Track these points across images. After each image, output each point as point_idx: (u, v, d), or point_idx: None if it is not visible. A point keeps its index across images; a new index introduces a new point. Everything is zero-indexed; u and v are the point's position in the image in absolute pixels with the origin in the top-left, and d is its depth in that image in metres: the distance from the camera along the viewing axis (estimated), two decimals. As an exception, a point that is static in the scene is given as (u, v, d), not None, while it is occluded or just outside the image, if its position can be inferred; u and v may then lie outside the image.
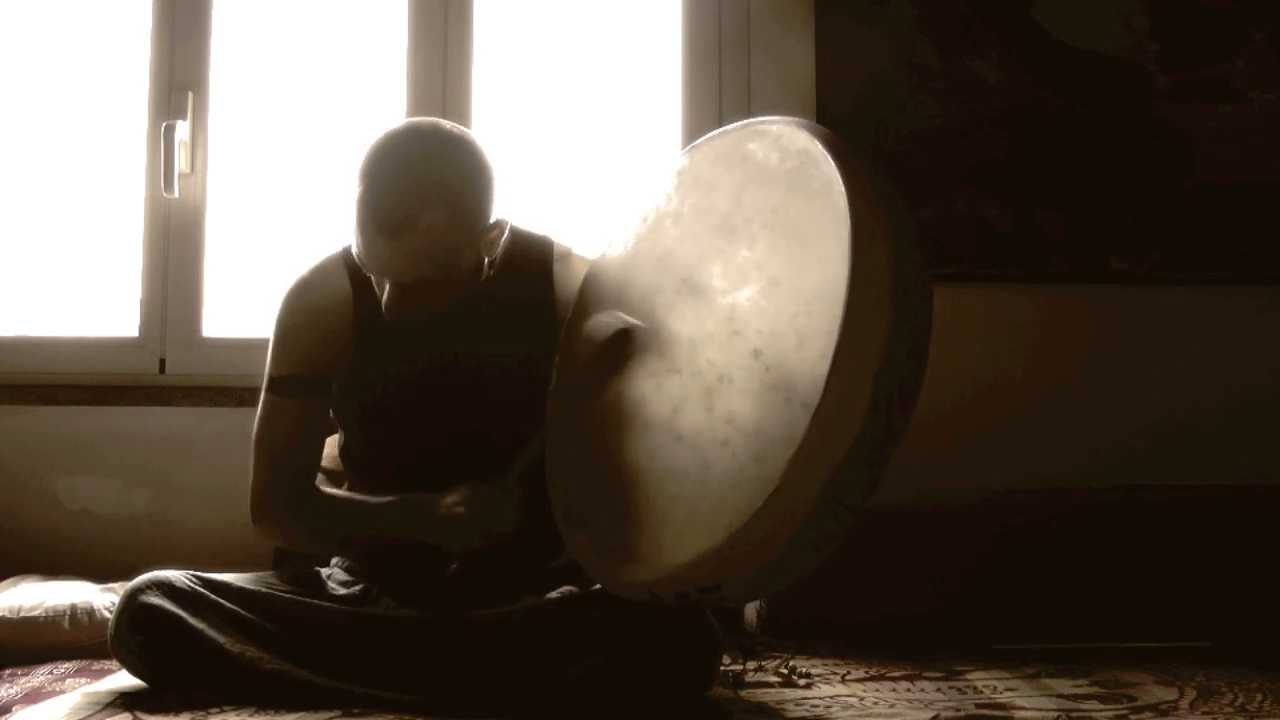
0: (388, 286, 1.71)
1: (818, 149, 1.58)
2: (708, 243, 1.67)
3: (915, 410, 1.47)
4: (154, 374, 2.69)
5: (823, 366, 1.42)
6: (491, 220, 1.74)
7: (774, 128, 1.68)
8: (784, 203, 1.59)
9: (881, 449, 1.45)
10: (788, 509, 1.43)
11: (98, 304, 2.79)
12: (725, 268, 1.63)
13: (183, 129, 2.69)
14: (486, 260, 1.78)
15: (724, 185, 1.70)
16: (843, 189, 1.51)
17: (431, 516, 1.76)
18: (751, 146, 1.69)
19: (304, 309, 1.85)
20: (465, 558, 1.78)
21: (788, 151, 1.62)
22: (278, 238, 2.79)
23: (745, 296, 1.58)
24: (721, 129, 1.81)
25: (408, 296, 1.71)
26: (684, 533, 1.51)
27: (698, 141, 1.84)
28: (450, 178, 1.69)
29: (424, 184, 1.67)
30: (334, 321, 1.85)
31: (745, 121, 1.77)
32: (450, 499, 1.76)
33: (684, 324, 1.65)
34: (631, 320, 1.71)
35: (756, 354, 1.52)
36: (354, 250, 1.73)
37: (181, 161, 2.69)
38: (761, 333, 1.53)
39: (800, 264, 1.52)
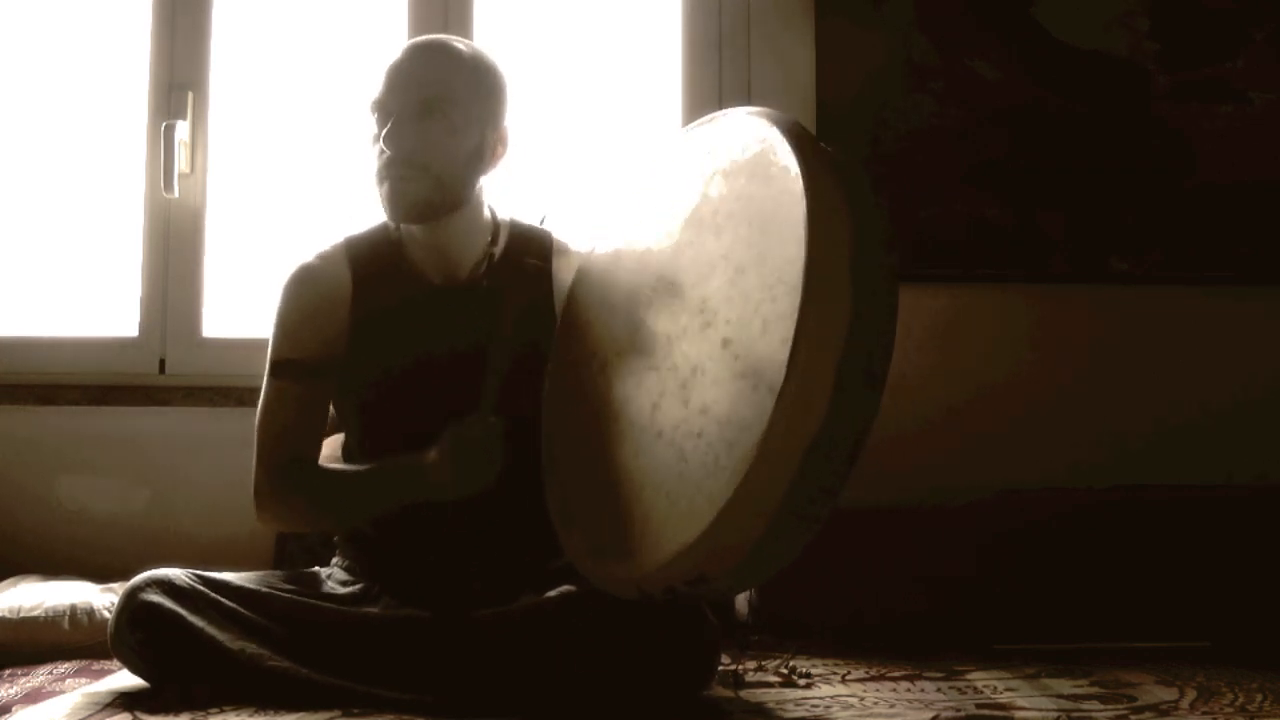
0: (390, 121, 1.77)
1: (775, 135, 1.58)
2: (680, 237, 1.68)
3: (885, 390, 1.47)
4: (154, 374, 2.69)
5: (785, 350, 1.42)
6: (501, 126, 1.87)
7: (737, 119, 1.70)
8: (746, 191, 1.60)
9: (854, 429, 1.45)
10: (762, 494, 1.43)
11: (98, 304, 2.79)
12: (695, 261, 1.63)
13: (183, 129, 2.69)
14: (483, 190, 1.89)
15: (693, 179, 1.71)
16: (798, 172, 1.51)
17: (421, 467, 1.77)
18: (716, 139, 1.70)
19: (305, 294, 1.88)
20: (459, 510, 1.78)
21: (749, 141, 1.63)
22: (278, 238, 2.79)
23: (714, 287, 1.58)
24: (692, 124, 1.81)
25: (405, 128, 1.76)
26: (666, 527, 1.51)
27: (669, 138, 1.85)
28: (477, 48, 1.90)
29: (456, 39, 1.90)
30: (333, 309, 1.87)
31: (712, 115, 1.78)
32: (436, 447, 1.76)
33: (661, 321, 1.66)
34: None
35: (726, 343, 1.53)
36: (372, 97, 1.81)
37: (181, 161, 2.69)
38: (730, 322, 1.53)
39: (763, 250, 1.52)
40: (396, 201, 1.80)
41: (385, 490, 1.82)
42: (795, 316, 1.42)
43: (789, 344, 1.42)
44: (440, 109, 1.79)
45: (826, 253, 1.45)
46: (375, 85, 1.82)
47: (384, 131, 1.77)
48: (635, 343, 1.68)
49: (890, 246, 1.53)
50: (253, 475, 1.86)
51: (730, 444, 1.46)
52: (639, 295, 1.71)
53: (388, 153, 1.77)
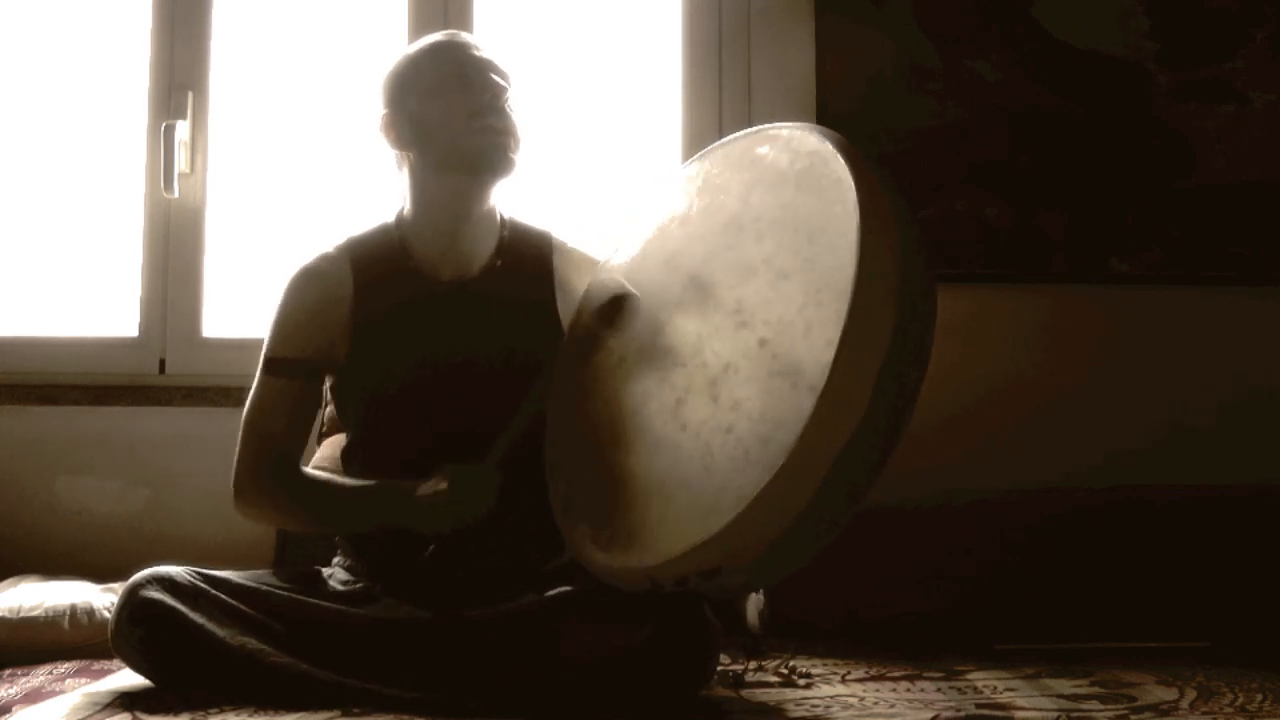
0: (473, 118, 1.84)
1: (828, 149, 1.62)
2: (715, 241, 1.71)
3: (917, 402, 1.50)
4: (154, 374, 2.69)
5: (830, 351, 1.44)
6: None
7: (785, 132, 1.73)
8: (793, 200, 1.62)
9: (887, 435, 1.47)
10: (791, 491, 1.44)
11: (97, 304, 2.79)
12: (733, 264, 1.66)
13: (183, 129, 2.69)
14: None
15: (733, 188, 1.74)
16: (852, 184, 1.55)
17: (411, 500, 1.78)
18: (761, 150, 1.73)
19: (306, 296, 1.89)
20: (443, 541, 1.79)
21: (798, 153, 1.66)
22: (278, 238, 2.79)
23: (752, 290, 1.61)
24: (731, 136, 1.85)
25: (496, 104, 1.85)
26: (687, 517, 1.52)
27: (706, 149, 1.89)
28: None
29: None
30: (334, 312, 1.88)
31: (756, 128, 1.81)
32: (431, 481, 1.77)
33: (689, 320, 1.67)
34: (629, 287, 1.80)
35: (763, 343, 1.54)
36: (414, 103, 1.88)
37: (181, 161, 2.69)
38: (769, 323, 1.55)
39: (809, 256, 1.55)
40: (504, 145, 1.86)
41: (370, 510, 1.83)
42: (842, 321, 1.45)
43: (834, 346, 1.44)
44: (508, 94, 1.89)
45: (876, 263, 1.48)
46: (435, 61, 1.89)
47: (490, 79, 1.86)
48: (660, 341, 1.70)
49: (929, 261, 1.56)
50: (234, 466, 1.87)
51: (764, 440, 1.47)
52: (667, 295, 1.74)
53: (498, 102, 1.85)
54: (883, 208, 1.53)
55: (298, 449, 1.90)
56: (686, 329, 1.67)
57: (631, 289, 1.79)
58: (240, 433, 1.88)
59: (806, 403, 1.44)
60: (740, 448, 1.50)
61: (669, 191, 1.87)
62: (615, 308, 1.81)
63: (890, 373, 1.45)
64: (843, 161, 1.58)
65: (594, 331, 1.83)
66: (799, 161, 1.65)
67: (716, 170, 1.80)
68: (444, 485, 1.75)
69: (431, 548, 1.80)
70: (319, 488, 1.87)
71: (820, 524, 1.48)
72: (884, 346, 1.45)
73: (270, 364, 1.87)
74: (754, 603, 2.25)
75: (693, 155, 1.92)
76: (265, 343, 1.89)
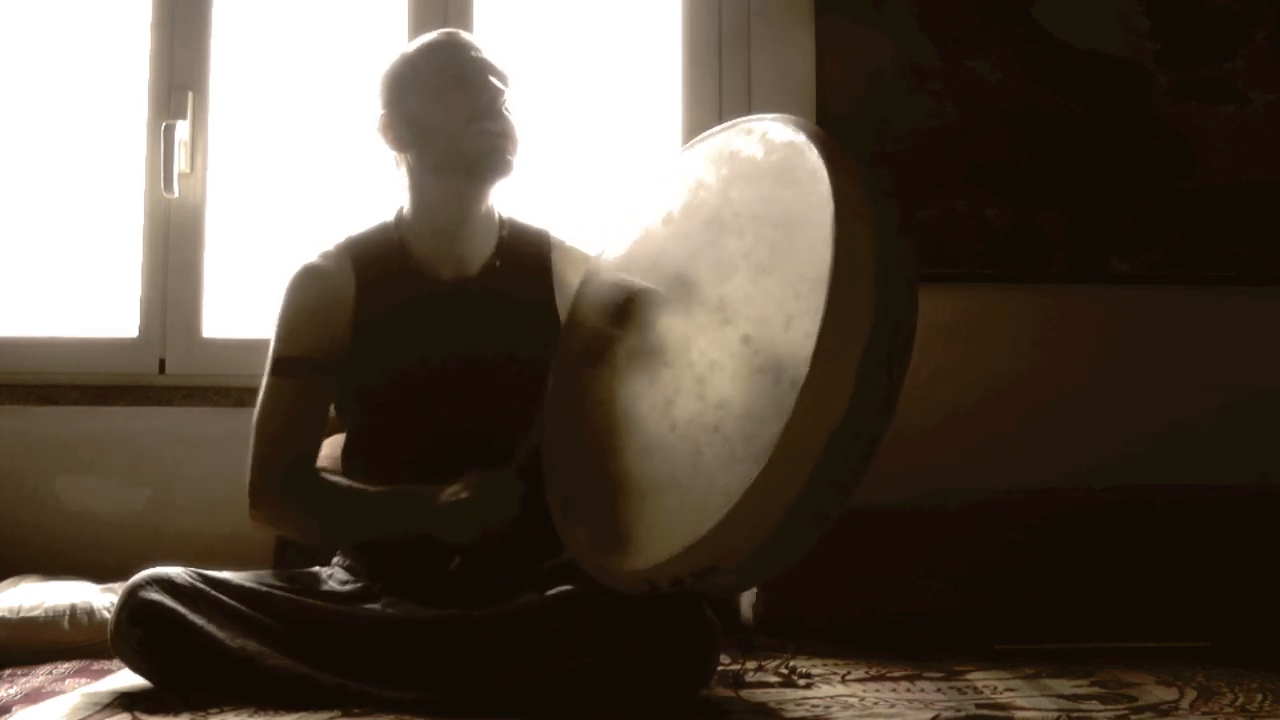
0: (471, 121, 1.84)
1: (802, 140, 1.61)
2: (698, 239, 1.70)
3: (901, 392, 1.49)
4: (154, 374, 2.69)
5: (809, 344, 1.44)
6: None
7: (760, 125, 1.72)
8: (771, 193, 1.62)
9: (871, 427, 1.46)
10: (778, 488, 1.44)
11: (97, 304, 2.79)
12: (715, 261, 1.65)
13: (183, 129, 2.69)
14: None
15: (713, 183, 1.73)
16: (826, 174, 1.54)
17: (431, 507, 1.77)
18: (738, 144, 1.72)
19: (307, 294, 1.88)
20: (467, 552, 1.79)
21: (774, 145, 1.65)
22: (278, 238, 2.79)
23: (734, 286, 1.60)
24: (710, 130, 1.84)
25: (494, 107, 1.84)
26: (678, 518, 1.52)
27: (687, 144, 1.88)
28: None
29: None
30: (336, 309, 1.88)
31: (733, 121, 1.80)
32: (452, 488, 1.77)
33: (676, 319, 1.67)
34: (643, 282, 1.76)
35: (746, 339, 1.54)
36: (412, 105, 1.87)
37: (181, 161, 2.69)
38: (751, 319, 1.55)
39: (787, 250, 1.55)
40: (502, 148, 1.86)
41: (390, 519, 1.82)
42: (820, 313, 1.44)
43: (813, 339, 1.44)
44: (506, 96, 1.88)
45: (852, 253, 1.48)
46: (433, 62, 1.89)
47: (489, 81, 1.86)
48: (649, 341, 1.70)
49: (908, 250, 1.56)
50: (248, 474, 1.86)
51: (748, 437, 1.47)
52: (653, 295, 1.73)
53: (496, 105, 1.85)
54: (858, 197, 1.52)
55: (313, 449, 1.89)
56: (674, 328, 1.67)
57: (645, 284, 1.76)
58: (252, 438, 1.86)
59: (788, 398, 1.44)
60: (727, 446, 1.50)
61: (655, 189, 1.87)
62: (629, 307, 1.78)
63: (872, 363, 1.44)
64: (817, 152, 1.57)
65: (589, 332, 1.83)
66: (774, 154, 1.65)
67: (696, 166, 1.79)
68: (466, 494, 1.75)
69: (458, 560, 1.79)
70: (336, 493, 1.86)
71: (811, 519, 1.48)
72: (864, 337, 1.44)
73: (278, 364, 1.87)
74: (747, 597, 2.26)
75: (689, 155, 1.92)
76: (271, 344, 1.89)
